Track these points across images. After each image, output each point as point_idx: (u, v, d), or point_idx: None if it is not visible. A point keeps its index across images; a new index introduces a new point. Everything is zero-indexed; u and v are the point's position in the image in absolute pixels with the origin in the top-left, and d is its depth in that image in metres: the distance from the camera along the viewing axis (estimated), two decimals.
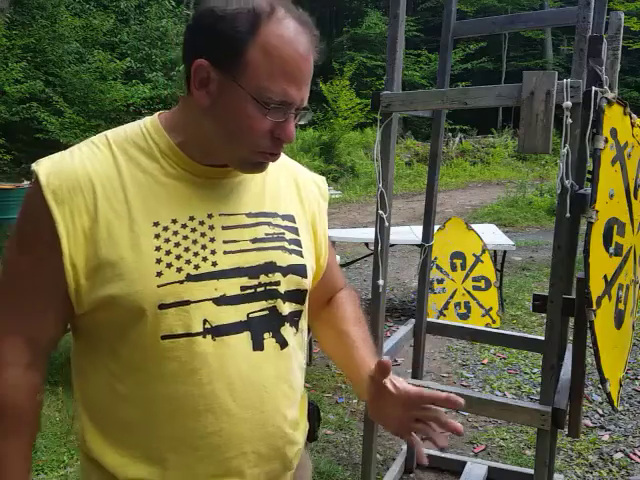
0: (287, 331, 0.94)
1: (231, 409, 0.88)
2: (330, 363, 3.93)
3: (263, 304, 0.91)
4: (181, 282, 0.84)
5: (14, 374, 0.87)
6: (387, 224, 2.04)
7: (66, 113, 9.53)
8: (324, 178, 1.13)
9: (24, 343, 0.87)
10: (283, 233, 0.95)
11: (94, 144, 0.89)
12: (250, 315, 0.89)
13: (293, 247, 0.96)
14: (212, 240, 0.88)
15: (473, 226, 4.92)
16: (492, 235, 5.20)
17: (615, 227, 1.77)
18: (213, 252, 0.88)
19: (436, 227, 4.19)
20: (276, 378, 0.92)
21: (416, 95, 2.01)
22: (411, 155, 16.84)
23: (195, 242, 0.87)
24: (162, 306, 0.84)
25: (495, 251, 5.23)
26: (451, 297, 4.71)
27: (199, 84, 0.83)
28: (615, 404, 1.84)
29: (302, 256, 0.97)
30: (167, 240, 0.85)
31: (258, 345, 0.89)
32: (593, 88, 1.69)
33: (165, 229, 0.85)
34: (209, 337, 0.86)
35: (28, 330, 0.87)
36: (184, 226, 0.87)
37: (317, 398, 3.36)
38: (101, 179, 0.85)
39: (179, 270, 0.85)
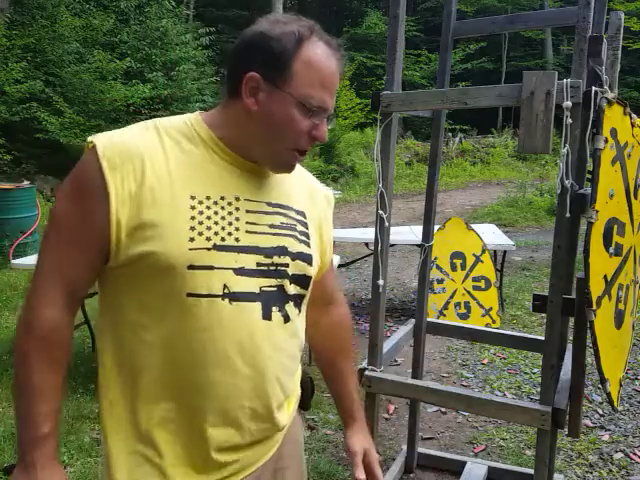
0: (291, 309, 1.08)
1: (237, 366, 1.01)
2: None
3: (273, 281, 1.04)
4: (208, 249, 0.98)
5: (57, 313, 0.99)
6: (387, 224, 2.04)
7: (66, 113, 9.53)
8: (331, 190, 1.30)
9: (64, 287, 1.00)
10: (295, 225, 1.10)
11: (143, 126, 1.04)
12: (262, 288, 1.03)
13: (303, 238, 1.11)
14: (237, 219, 1.02)
15: (473, 226, 4.92)
16: (492, 235, 5.20)
17: (615, 227, 1.77)
18: (237, 229, 1.02)
19: (436, 227, 4.19)
20: (278, 347, 1.06)
21: (416, 95, 2.01)
22: (411, 155, 16.84)
23: (223, 218, 1.01)
24: (190, 267, 0.97)
25: (495, 251, 5.23)
26: (451, 297, 4.71)
27: (250, 92, 1.00)
28: (615, 404, 1.84)
29: (309, 247, 1.12)
30: (200, 212, 0.99)
31: (267, 315, 1.03)
32: (593, 88, 1.69)
33: (200, 203, 0.99)
34: (227, 300, 0.99)
35: (69, 275, 1.00)
36: (215, 203, 1.01)
37: (317, 398, 3.36)
38: (149, 153, 0.98)
39: (208, 239, 0.98)
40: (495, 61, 21.09)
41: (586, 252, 1.63)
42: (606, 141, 1.65)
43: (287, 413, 1.15)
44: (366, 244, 5.37)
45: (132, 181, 0.96)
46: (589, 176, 1.72)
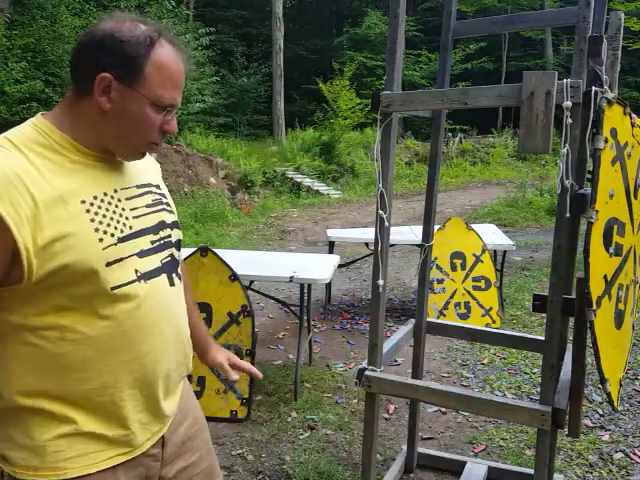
0: (181, 271, 1.28)
1: (164, 330, 1.18)
2: (330, 363, 3.93)
3: (166, 252, 1.21)
4: (115, 244, 1.08)
5: None
6: (387, 224, 2.04)
7: None
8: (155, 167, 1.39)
9: None
10: (161, 198, 1.25)
11: (2, 148, 1.02)
12: (162, 261, 1.19)
13: (169, 208, 1.27)
14: (123, 209, 1.13)
15: (473, 226, 4.92)
16: (492, 235, 5.20)
17: (615, 227, 1.77)
18: (127, 218, 1.12)
19: (436, 227, 4.20)
20: (181, 304, 1.26)
21: (416, 95, 2.01)
22: (411, 155, 16.84)
23: (114, 212, 1.10)
24: (108, 264, 1.06)
25: (495, 251, 5.23)
26: (451, 297, 4.71)
27: (102, 92, 1.06)
28: (615, 404, 1.84)
29: (174, 214, 1.29)
30: (96, 213, 1.07)
31: (171, 282, 1.21)
32: (593, 88, 1.69)
33: (91, 204, 1.07)
34: (142, 282, 1.12)
35: None
36: (102, 200, 1.09)
37: (317, 398, 3.37)
38: (25, 173, 1.00)
39: (112, 235, 1.08)
40: (495, 61, 21.10)
41: (586, 252, 1.63)
42: (606, 141, 1.65)
43: (192, 353, 1.37)
44: (366, 244, 5.37)
45: (23, 204, 0.98)
46: (589, 176, 1.72)
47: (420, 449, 2.75)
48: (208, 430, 1.48)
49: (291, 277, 3.29)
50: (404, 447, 2.75)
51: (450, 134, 18.12)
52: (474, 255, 4.71)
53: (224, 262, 3.16)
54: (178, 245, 1.27)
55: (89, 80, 1.05)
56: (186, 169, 10.79)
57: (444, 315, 4.65)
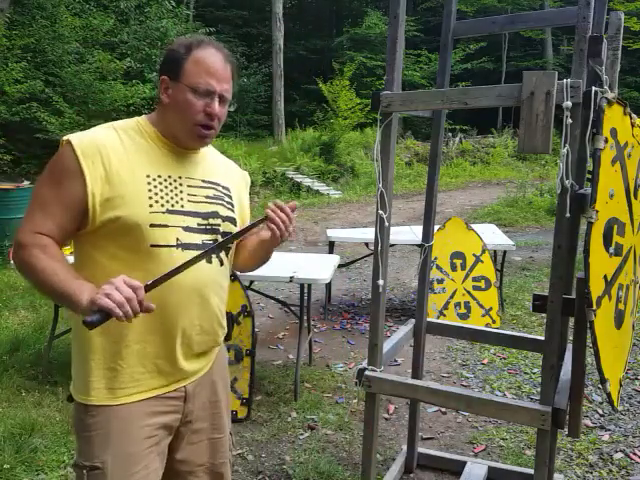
0: (223, 256, 1.49)
1: (192, 296, 1.40)
2: (330, 363, 3.93)
3: (210, 236, 1.44)
4: (163, 213, 1.36)
5: (42, 231, 1.33)
6: (387, 224, 2.04)
7: (66, 113, 9.52)
8: (246, 172, 1.70)
9: (45, 226, 1.33)
10: (223, 196, 1.51)
11: (105, 127, 1.40)
12: (204, 241, 1.42)
13: (229, 206, 1.51)
14: (181, 192, 1.41)
15: (473, 226, 4.92)
16: (492, 235, 5.20)
17: (615, 227, 1.77)
18: (182, 199, 1.40)
19: (436, 227, 4.19)
20: (217, 282, 1.48)
21: (416, 95, 2.01)
22: (411, 155, 16.84)
23: (172, 191, 1.39)
24: (152, 225, 1.34)
25: (495, 251, 5.23)
26: (451, 297, 4.71)
27: (163, 90, 1.41)
28: (615, 404, 1.84)
29: (234, 212, 1.53)
30: (155, 186, 1.37)
31: (209, 260, 1.43)
32: (593, 88, 1.69)
33: (153, 179, 1.37)
34: (180, 249, 1.37)
35: (50, 229, 1.33)
36: (165, 180, 1.39)
37: (317, 398, 3.37)
38: (112, 146, 1.35)
39: (162, 205, 1.36)
40: (495, 61, 21.09)
41: (586, 252, 1.63)
42: (606, 141, 1.65)
43: (223, 331, 1.56)
44: (366, 244, 5.37)
45: (101, 166, 1.31)
46: (589, 176, 1.72)
47: (420, 449, 2.75)
48: (228, 416, 1.66)
49: (291, 277, 3.29)
50: (404, 447, 2.75)
51: (450, 134, 18.11)
52: (474, 255, 4.71)
53: None
54: (228, 235, 1.48)
55: (159, 85, 1.42)
56: None
57: (444, 315, 4.65)
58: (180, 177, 1.42)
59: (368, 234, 5.06)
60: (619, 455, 2.82)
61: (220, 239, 1.45)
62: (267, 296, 4.12)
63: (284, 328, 4.69)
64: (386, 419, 3.19)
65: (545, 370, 1.87)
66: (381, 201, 2.02)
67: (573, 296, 1.88)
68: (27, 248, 1.31)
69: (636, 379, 3.68)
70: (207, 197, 1.46)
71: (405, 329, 2.54)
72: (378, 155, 2.00)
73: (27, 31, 10.20)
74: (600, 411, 3.26)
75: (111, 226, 1.31)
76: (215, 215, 1.46)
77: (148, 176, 1.36)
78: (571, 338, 1.93)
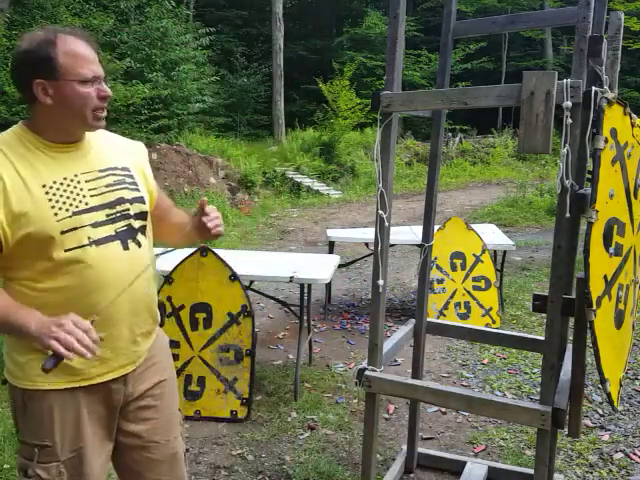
0: (140, 238, 1.53)
1: (117, 284, 1.45)
2: (330, 363, 3.93)
3: (123, 223, 1.48)
4: (70, 217, 1.39)
5: None
6: (387, 224, 2.04)
7: None
8: (140, 142, 1.70)
9: None
10: (124, 179, 1.52)
11: None
12: (117, 230, 1.47)
13: (133, 187, 1.53)
14: (81, 189, 1.43)
15: (473, 226, 4.92)
16: (492, 235, 5.20)
17: (615, 227, 1.77)
18: (84, 197, 1.43)
19: (436, 227, 4.20)
20: (139, 265, 1.50)
21: (416, 95, 2.01)
22: (411, 155, 16.83)
23: (71, 192, 1.41)
24: (62, 232, 1.37)
25: (495, 251, 5.23)
26: (451, 297, 4.71)
27: (42, 93, 1.36)
28: (615, 404, 1.84)
29: (139, 191, 1.55)
30: (54, 194, 1.38)
31: (125, 247, 1.48)
32: (593, 88, 1.69)
33: (50, 187, 1.38)
34: (93, 246, 1.42)
35: None
36: (61, 184, 1.40)
37: (317, 398, 3.37)
38: (1, 166, 1.36)
39: (67, 210, 1.39)
40: (495, 61, 21.08)
41: (586, 252, 1.63)
42: (606, 141, 1.65)
43: (155, 307, 1.62)
44: (366, 244, 5.37)
45: None
46: (589, 176, 1.72)
47: (420, 449, 2.75)
48: (175, 394, 1.73)
49: (291, 277, 3.29)
50: (404, 447, 2.74)
51: (450, 134, 18.11)
52: (474, 255, 4.71)
53: (224, 262, 3.16)
54: (140, 216, 1.53)
55: (30, 91, 1.37)
56: (186, 169, 10.78)
57: (444, 315, 4.65)
58: (76, 175, 1.44)
59: (368, 234, 5.06)
60: (619, 455, 2.82)
61: (133, 222, 1.51)
62: (267, 296, 4.12)
63: (284, 328, 4.69)
64: (386, 419, 3.19)
65: (545, 370, 1.87)
66: (381, 201, 2.02)
67: (573, 296, 1.88)
68: None
69: (636, 379, 3.68)
70: (108, 185, 1.48)
71: (405, 329, 2.54)
72: (378, 155, 2.00)
73: (27, 31, 10.18)
74: (600, 411, 3.26)
75: (26, 243, 1.36)
76: (121, 201, 1.49)
77: (44, 186, 1.38)
78: (571, 338, 1.93)
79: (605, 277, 1.74)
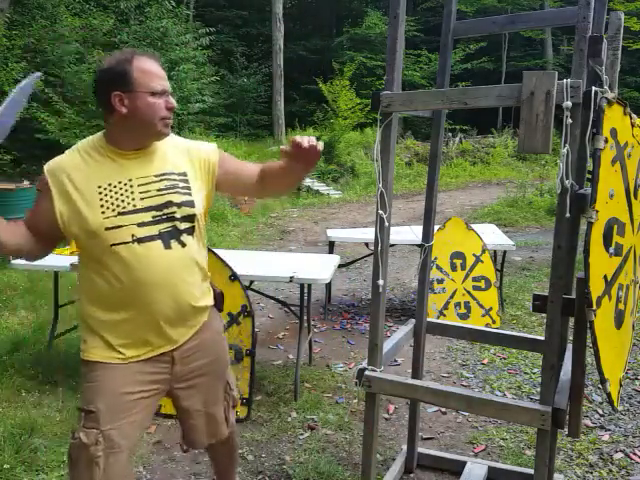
0: (186, 238, 1.70)
1: (158, 282, 1.65)
2: (330, 363, 3.93)
3: (168, 224, 1.66)
4: (115, 216, 1.61)
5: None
6: (387, 224, 2.04)
7: (66, 113, 9.51)
8: (209, 143, 1.87)
9: (27, 225, 1.72)
10: (177, 183, 1.70)
11: (70, 150, 1.71)
12: (161, 231, 1.65)
13: (184, 191, 1.71)
14: (132, 192, 1.64)
15: (473, 226, 4.92)
16: (492, 235, 5.20)
17: (615, 227, 1.77)
18: (133, 199, 1.64)
19: (436, 227, 4.19)
20: (180, 264, 1.69)
21: (416, 95, 2.01)
22: (411, 155, 16.83)
23: (122, 194, 1.63)
24: (107, 229, 1.61)
25: (495, 251, 5.23)
26: (451, 297, 4.71)
27: (119, 104, 1.60)
28: (615, 404, 1.84)
29: (190, 195, 1.71)
30: (105, 195, 1.62)
31: (167, 246, 1.66)
32: (593, 88, 1.69)
33: (104, 189, 1.63)
34: (136, 243, 1.62)
35: (34, 229, 1.71)
36: (114, 186, 1.64)
37: (317, 398, 3.37)
38: (72, 167, 1.66)
39: (113, 210, 1.61)
40: (495, 61, 21.08)
41: (586, 252, 1.63)
42: (606, 141, 1.65)
43: (204, 305, 1.81)
44: (366, 244, 5.37)
45: (63, 185, 1.63)
46: (589, 176, 1.72)
47: (420, 449, 2.75)
48: (223, 371, 1.96)
49: (291, 277, 3.28)
50: (404, 447, 2.74)
51: (450, 134, 18.10)
52: (474, 255, 4.71)
53: (224, 262, 3.16)
54: (187, 218, 1.70)
55: (108, 103, 1.61)
56: None
57: (444, 315, 4.65)
58: (130, 179, 1.65)
59: (368, 234, 5.06)
60: (619, 455, 2.82)
61: (179, 224, 1.68)
62: (267, 296, 4.12)
63: (284, 328, 4.69)
64: (386, 419, 3.19)
65: (545, 370, 1.87)
66: (381, 201, 2.02)
67: (573, 296, 1.88)
68: None
69: (636, 379, 3.68)
70: (159, 190, 1.67)
71: (405, 329, 2.54)
72: (378, 155, 2.00)
73: (27, 31, 10.19)
74: (600, 411, 3.26)
75: (79, 235, 1.64)
76: (169, 204, 1.67)
77: (99, 187, 1.62)
78: (571, 338, 1.93)
79: (605, 277, 1.74)
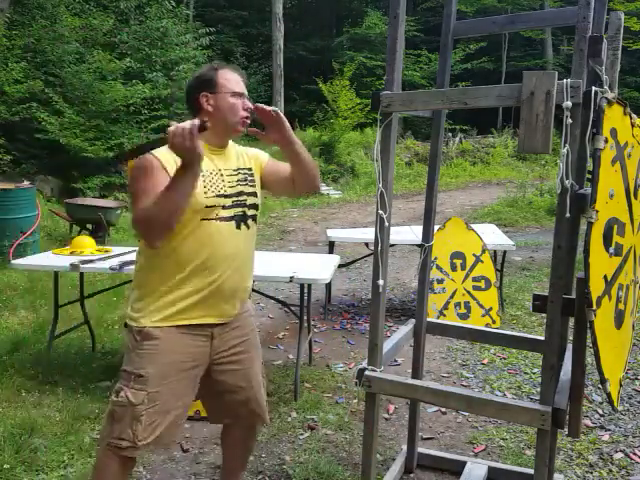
0: (251, 223, 2.01)
1: (227, 253, 1.92)
2: (330, 363, 3.93)
3: (239, 209, 1.96)
4: (214, 196, 1.90)
5: None
6: (387, 224, 2.04)
7: (66, 113, 9.51)
8: (261, 151, 2.15)
9: None
10: (247, 176, 2.03)
11: (163, 147, 1.82)
12: (235, 214, 1.95)
13: (251, 183, 2.03)
14: (223, 180, 1.95)
15: (473, 226, 4.92)
16: (492, 235, 5.20)
17: (615, 227, 1.77)
18: (224, 186, 1.94)
19: (436, 227, 4.19)
20: (246, 243, 2.00)
21: (416, 95, 2.01)
22: (411, 155, 16.84)
23: (217, 181, 1.93)
24: (207, 207, 1.88)
25: (495, 251, 5.23)
26: (451, 297, 4.71)
27: (206, 103, 1.91)
28: (615, 404, 1.84)
29: (255, 187, 2.04)
30: (205, 180, 1.89)
31: (238, 227, 1.95)
32: (593, 88, 1.69)
33: (204, 175, 1.88)
34: (218, 221, 1.90)
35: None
36: (211, 173, 1.92)
37: (317, 398, 3.37)
38: (173, 158, 1.80)
39: (212, 192, 1.90)
40: (495, 61, 21.08)
41: (586, 252, 1.63)
42: (606, 141, 1.65)
43: (250, 285, 2.09)
44: (366, 244, 5.37)
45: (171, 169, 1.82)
46: (589, 176, 1.72)
47: (420, 449, 2.75)
48: (257, 349, 2.18)
49: (291, 277, 3.28)
50: (404, 447, 2.74)
51: (450, 134, 18.11)
52: (474, 255, 4.71)
53: None
54: (253, 206, 2.00)
55: (197, 103, 1.91)
56: None
57: (444, 315, 4.65)
58: (220, 170, 1.95)
59: (368, 234, 5.06)
60: (619, 455, 2.82)
61: (247, 211, 1.98)
62: (267, 296, 4.12)
63: (284, 328, 4.69)
64: (386, 419, 3.19)
65: (545, 370, 1.87)
66: (381, 201, 2.02)
67: (573, 296, 1.88)
68: (140, 215, 1.75)
69: (636, 379, 3.68)
70: (238, 181, 1.98)
71: (405, 329, 2.54)
72: (378, 155, 2.00)
73: (27, 31, 10.20)
74: (600, 411, 3.26)
75: (185, 212, 1.81)
76: (242, 193, 1.97)
77: (202, 173, 1.84)
78: (571, 338, 1.94)
79: (605, 277, 1.74)
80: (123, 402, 1.85)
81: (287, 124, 1.92)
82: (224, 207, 1.91)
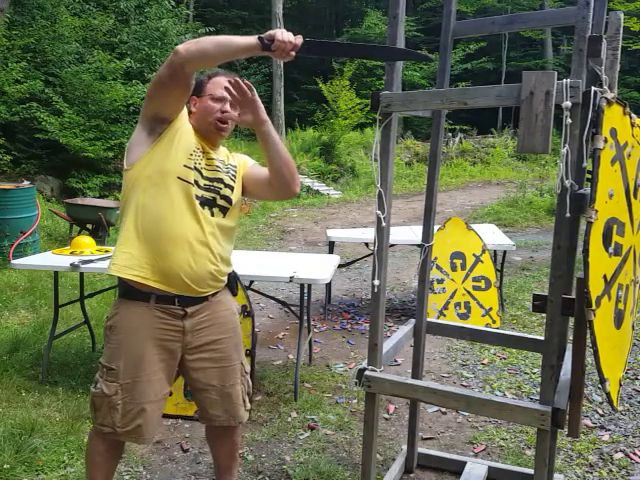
0: (216, 212, 2.01)
1: (183, 244, 1.94)
2: (330, 363, 3.93)
3: (212, 194, 1.99)
4: (192, 168, 1.94)
5: None
6: (384, 224, 2.04)
7: (66, 113, 9.51)
8: (246, 157, 2.24)
9: None
10: (229, 170, 2.09)
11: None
12: (204, 196, 1.96)
13: (232, 177, 2.08)
14: (202, 160, 1.99)
15: (473, 226, 4.92)
16: (492, 235, 5.20)
17: (615, 227, 1.77)
18: (201, 164, 1.98)
19: (436, 227, 4.20)
20: (204, 227, 1.96)
21: (416, 95, 2.01)
22: (411, 155, 16.84)
23: (200, 159, 1.98)
24: (184, 165, 1.93)
25: (495, 251, 5.23)
26: (451, 297, 4.71)
27: (192, 105, 2.04)
28: (615, 404, 1.84)
29: (234, 182, 2.08)
30: (195, 151, 1.97)
31: (202, 207, 1.95)
32: (593, 88, 1.69)
33: (191, 154, 1.95)
34: (195, 187, 1.95)
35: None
36: (202, 152, 1.99)
37: (317, 398, 3.37)
38: (189, 128, 2.01)
39: (192, 163, 1.95)
40: (495, 61, 21.08)
41: (585, 252, 1.63)
42: (606, 141, 1.65)
43: (224, 270, 2.06)
44: (366, 244, 5.37)
45: (184, 123, 1.99)
46: (589, 176, 1.72)
47: (420, 449, 2.75)
48: (238, 350, 2.14)
49: (291, 277, 3.28)
50: (404, 447, 2.74)
51: (450, 134, 18.11)
52: (474, 255, 4.71)
53: None
54: (224, 198, 2.02)
55: (188, 104, 2.01)
56: None
57: (444, 315, 4.65)
58: (208, 153, 2.01)
59: (368, 234, 5.06)
60: (619, 455, 2.82)
61: (218, 199, 2.00)
62: (267, 296, 4.12)
63: (284, 328, 4.69)
64: (386, 419, 3.19)
65: (545, 370, 1.87)
66: (379, 201, 2.02)
67: (573, 296, 1.88)
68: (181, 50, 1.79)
69: (636, 379, 3.68)
70: (218, 167, 2.03)
71: (405, 329, 2.54)
72: (378, 155, 2.00)
73: (27, 31, 10.19)
74: (600, 411, 3.26)
75: (164, 147, 1.92)
76: (219, 180, 2.01)
77: (189, 153, 1.95)
78: (571, 338, 1.94)
79: (605, 277, 1.74)
80: (99, 393, 1.95)
81: (261, 104, 1.94)
82: (198, 185, 1.94)
